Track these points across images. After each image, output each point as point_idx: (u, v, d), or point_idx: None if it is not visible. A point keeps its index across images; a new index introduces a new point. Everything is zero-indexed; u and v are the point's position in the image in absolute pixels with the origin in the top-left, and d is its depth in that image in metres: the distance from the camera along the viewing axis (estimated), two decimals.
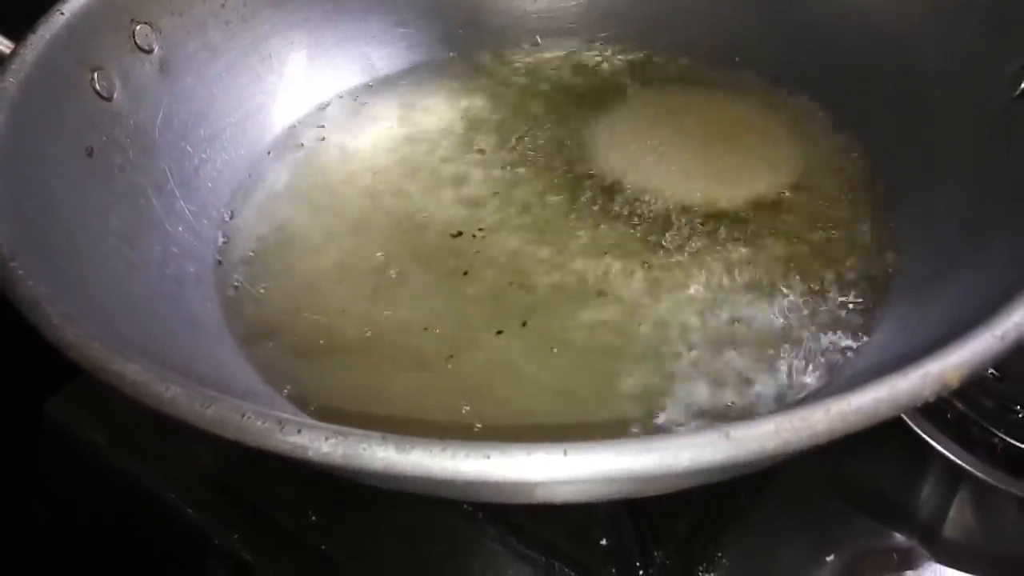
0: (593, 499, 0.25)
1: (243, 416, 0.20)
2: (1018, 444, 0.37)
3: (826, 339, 0.35)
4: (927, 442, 0.37)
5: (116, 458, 0.39)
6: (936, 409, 0.39)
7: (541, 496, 0.23)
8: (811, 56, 0.45)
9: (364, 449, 0.20)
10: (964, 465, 0.36)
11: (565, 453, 0.19)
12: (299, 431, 0.20)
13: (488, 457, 0.19)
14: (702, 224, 0.40)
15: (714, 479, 0.24)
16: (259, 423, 0.20)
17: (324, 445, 0.20)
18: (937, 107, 0.38)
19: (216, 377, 0.31)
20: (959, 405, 0.39)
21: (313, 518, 0.37)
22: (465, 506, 0.37)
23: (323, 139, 0.47)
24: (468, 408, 0.33)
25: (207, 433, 0.21)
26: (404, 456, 0.19)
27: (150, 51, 0.41)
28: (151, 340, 0.30)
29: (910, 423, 0.37)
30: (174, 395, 0.21)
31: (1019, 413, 0.39)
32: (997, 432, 0.38)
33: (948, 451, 0.36)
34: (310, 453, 0.20)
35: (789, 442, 0.19)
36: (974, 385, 0.39)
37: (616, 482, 0.21)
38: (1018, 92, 0.34)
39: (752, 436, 0.19)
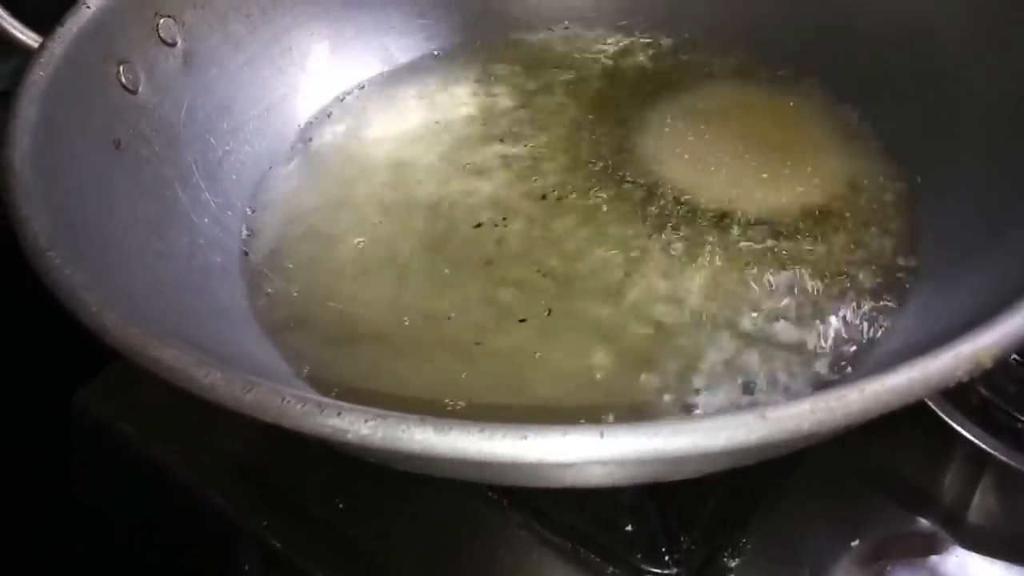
0: (623, 482, 0.25)
1: (283, 400, 0.21)
2: None
3: (853, 327, 0.35)
4: (952, 427, 0.37)
5: (146, 447, 0.40)
6: (960, 395, 0.39)
7: (572, 479, 0.24)
8: (833, 45, 0.45)
9: (403, 431, 0.20)
10: (988, 450, 0.36)
11: (602, 435, 0.19)
12: (339, 413, 0.20)
13: (525, 438, 0.19)
14: (717, 219, 0.40)
15: (745, 461, 0.25)
16: (299, 406, 0.20)
17: (363, 427, 0.20)
18: (960, 97, 0.38)
19: (245, 366, 0.32)
20: (983, 391, 0.39)
21: (340, 505, 0.37)
22: (490, 493, 0.37)
23: (344, 130, 0.47)
24: (496, 394, 0.34)
25: (246, 418, 0.21)
26: (442, 438, 0.20)
27: (174, 44, 0.41)
28: (181, 328, 0.31)
29: (935, 408, 0.37)
30: (213, 380, 0.21)
31: None
32: (1021, 417, 0.38)
33: (973, 436, 0.36)
34: (349, 436, 0.20)
35: (824, 421, 0.19)
36: (998, 371, 0.39)
37: (650, 464, 0.21)
38: None
39: (788, 415, 0.19)
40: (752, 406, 0.19)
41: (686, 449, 0.19)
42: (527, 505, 0.36)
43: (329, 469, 0.38)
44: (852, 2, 0.44)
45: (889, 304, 0.35)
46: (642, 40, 0.51)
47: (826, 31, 0.45)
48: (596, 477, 0.24)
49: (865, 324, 0.35)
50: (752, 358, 0.34)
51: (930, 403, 0.37)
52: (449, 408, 0.33)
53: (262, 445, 0.40)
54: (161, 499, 0.40)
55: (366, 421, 0.20)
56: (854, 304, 0.36)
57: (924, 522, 0.36)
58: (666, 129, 0.46)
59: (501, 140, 0.46)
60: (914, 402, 0.21)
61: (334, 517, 0.37)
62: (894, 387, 0.20)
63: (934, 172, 0.38)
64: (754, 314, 0.35)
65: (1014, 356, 0.40)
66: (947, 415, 0.37)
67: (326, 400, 0.20)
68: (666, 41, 0.51)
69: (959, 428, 0.37)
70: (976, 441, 0.36)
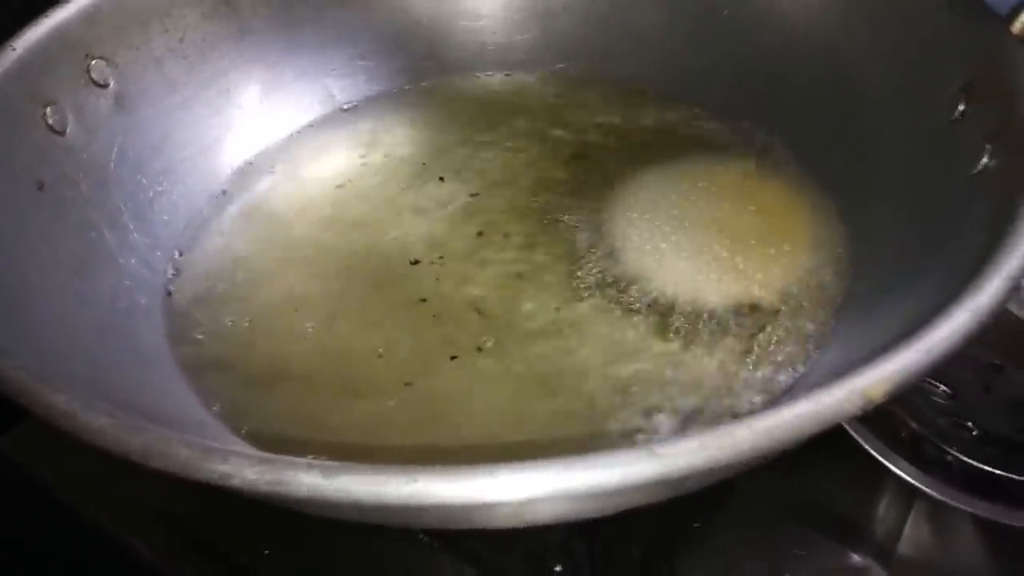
0: (538, 521, 0.24)
1: (169, 445, 0.20)
2: (972, 462, 0.37)
3: (775, 362, 0.35)
4: (881, 462, 0.37)
5: (68, 496, 0.39)
6: (890, 429, 0.39)
7: (480, 520, 0.23)
8: (759, 84, 0.46)
9: (291, 476, 0.19)
10: (918, 484, 0.36)
11: (493, 475, 0.19)
12: (225, 459, 0.20)
13: (415, 481, 0.19)
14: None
15: (650, 499, 0.24)
16: (184, 452, 0.20)
17: (250, 472, 0.20)
18: (880, 131, 0.39)
19: (162, 410, 0.31)
20: (913, 424, 0.39)
21: (267, 552, 0.36)
22: (421, 536, 0.36)
23: (280, 171, 0.47)
24: (423, 434, 0.33)
25: (136, 464, 0.21)
26: (330, 482, 0.19)
27: (105, 85, 0.41)
28: (96, 372, 0.30)
29: (863, 443, 0.37)
30: (101, 425, 0.21)
31: (972, 431, 0.39)
32: (951, 450, 0.38)
33: (902, 471, 0.37)
34: (235, 481, 0.20)
35: (715, 458, 0.19)
36: (927, 405, 0.39)
37: (550, 501, 0.21)
38: (956, 114, 0.35)
39: (678, 452, 0.19)
40: (644, 443, 0.19)
41: (580, 487, 0.19)
42: (458, 547, 0.36)
43: (256, 516, 0.37)
44: (775, 45, 0.45)
45: (813, 337, 0.35)
46: (578, 87, 0.52)
47: (756, 74, 0.46)
48: (504, 516, 0.23)
49: (789, 358, 0.35)
50: (667, 399, 0.34)
51: (858, 438, 0.38)
52: (384, 448, 0.32)
53: (187, 493, 0.38)
54: (83, 548, 0.39)
55: (252, 466, 0.20)
56: (778, 339, 0.36)
57: (855, 556, 0.36)
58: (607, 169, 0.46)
59: (441, 179, 0.46)
60: (807, 438, 0.21)
61: (260, 565, 0.36)
62: (783, 423, 0.20)
63: (857, 207, 0.39)
64: (679, 351, 0.36)
65: (943, 388, 0.40)
66: (876, 450, 0.37)
67: (212, 444, 0.20)
68: (601, 87, 0.51)
69: (888, 463, 0.37)
70: (905, 476, 0.36)
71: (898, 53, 0.39)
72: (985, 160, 0.32)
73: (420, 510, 0.19)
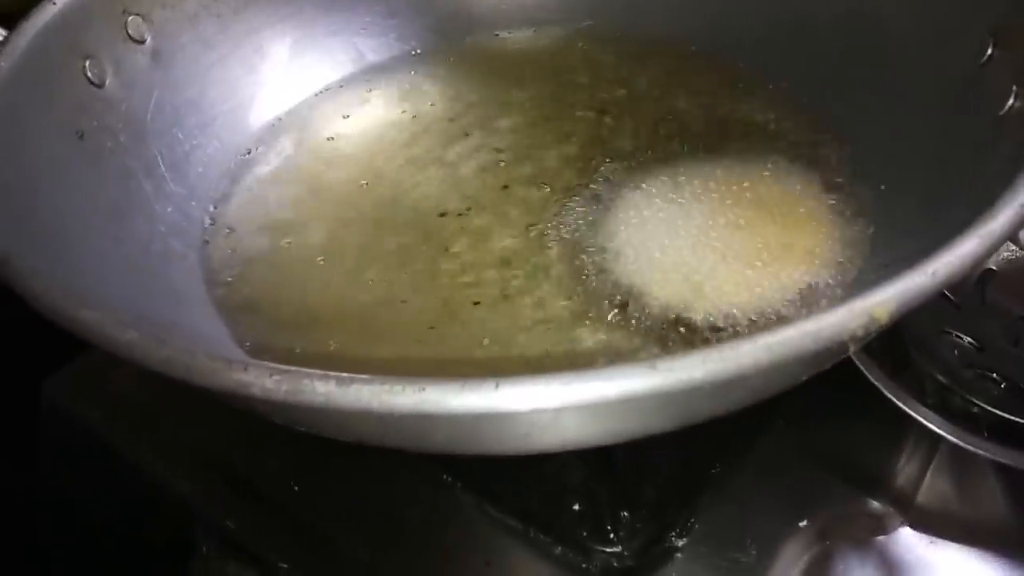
0: (544, 447, 0.25)
1: (192, 357, 0.21)
2: (998, 412, 0.37)
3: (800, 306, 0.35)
4: (904, 411, 0.37)
5: (109, 434, 0.41)
6: (916, 380, 0.39)
7: (489, 439, 0.24)
8: (789, 36, 0.45)
9: (307, 384, 0.20)
10: (941, 432, 0.36)
11: (497, 386, 0.20)
12: (245, 369, 0.21)
13: (423, 390, 0.20)
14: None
15: (667, 422, 0.25)
16: (206, 362, 0.21)
17: (268, 381, 0.20)
18: (908, 78, 0.38)
19: (194, 343, 0.32)
20: (939, 376, 0.39)
21: (296, 488, 0.38)
22: (444, 476, 0.37)
23: (312, 127, 0.48)
24: (446, 373, 0.34)
25: (161, 374, 0.22)
26: (343, 390, 0.20)
27: (142, 41, 0.42)
28: (131, 306, 0.31)
29: (887, 393, 0.37)
30: (130, 339, 0.22)
31: (1000, 383, 0.38)
32: (977, 401, 0.38)
33: (926, 419, 0.36)
34: (255, 390, 0.20)
35: (715, 372, 0.20)
36: (954, 358, 0.39)
37: (553, 416, 0.22)
38: (984, 58, 0.34)
39: (679, 367, 0.20)
40: (647, 358, 0.20)
41: (577, 400, 0.19)
42: (479, 487, 0.37)
43: (286, 454, 0.38)
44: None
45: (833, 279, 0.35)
46: (611, 44, 0.52)
47: (783, 29, 0.46)
48: (513, 438, 0.24)
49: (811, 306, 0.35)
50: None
51: (883, 388, 0.38)
52: None
53: (224, 432, 0.40)
54: (122, 484, 0.41)
55: (271, 376, 0.20)
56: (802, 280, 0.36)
57: (874, 503, 0.36)
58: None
59: (467, 134, 0.47)
60: (813, 358, 0.21)
61: (289, 501, 0.37)
62: (786, 340, 0.20)
63: (881, 156, 0.39)
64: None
65: (970, 340, 0.40)
66: (900, 400, 0.37)
67: (234, 357, 0.21)
68: (636, 44, 0.51)
69: (911, 412, 0.37)
70: (929, 424, 0.36)
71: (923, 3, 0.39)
72: (1011, 101, 0.32)
73: (428, 419, 0.20)
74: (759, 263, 0.36)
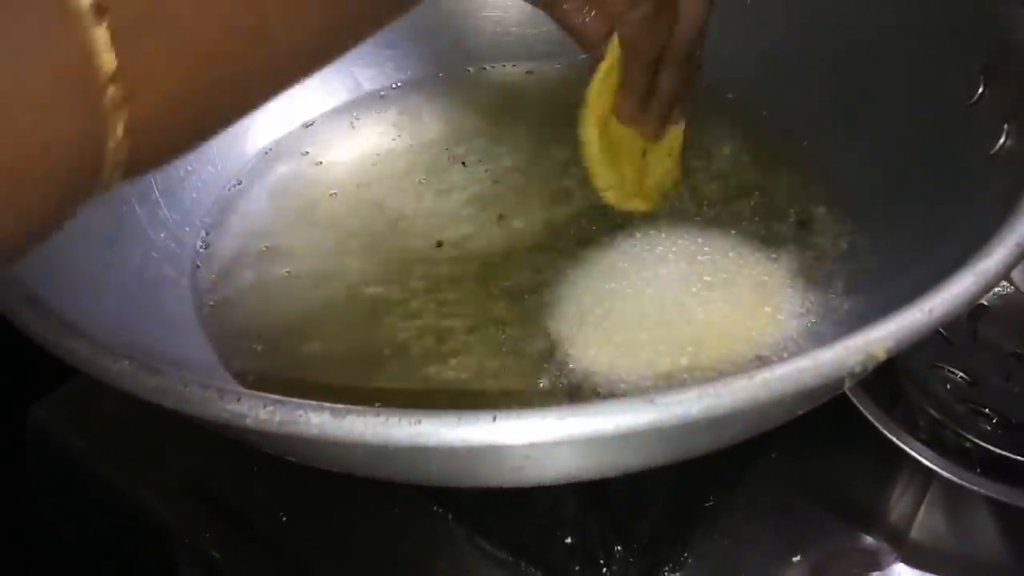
0: (540, 479, 0.25)
1: (185, 386, 0.21)
2: (990, 447, 0.37)
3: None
4: (898, 446, 0.37)
5: (95, 460, 0.40)
6: (909, 415, 0.39)
7: (485, 472, 0.24)
8: (779, 69, 0.46)
9: (301, 415, 0.20)
10: (934, 467, 0.36)
11: (494, 419, 0.20)
12: (239, 399, 0.20)
13: (419, 423, 0.20)
14: None
15: (665, 456, 0.25)
16: (199, 392, 0.21)
17: (262, 412, 0.20)
18: (898, 117, 0.39)
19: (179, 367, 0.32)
20: (932, 411, 0.39)
21: (284, 518, 0.37)
22: (436, 508, 0.37)
23: (307, 154, 0.48)
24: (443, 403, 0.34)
25: (152, 404, 0.21)
26: (338, 422, 0.20)
27: None
28: (122, 333, 0.31)
29: (881, 428, 0.37)
30: (121, 368, 0.22)
31: (992, 418, 0.38)
32: (969, 436, 0.38)
33: (919, 454, 0.36)
34: (248, 421, 0.20)
35: (712, 407, 0.19)
36: (946, 392, 0.39)
37: (550, 449, 0.21)
38: (975, 96, 0.35)
39: (676, 401, 0.20)
40: (643, 393, 0.20)
41: (573, 434, 0.19)
42: (471, 519, 0.36)
43: (274, 482, 0.38)
44: (798, 35, 0.45)
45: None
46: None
47: (776, 64, 0.46)
48: (510, 472, 0.24)
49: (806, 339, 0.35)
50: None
51: (876, 423, 0.37)
52: None
53: (212, 460, 0.40)
54: (108, 511, 0.40)
55: (264, 407, 0.20)
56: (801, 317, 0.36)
57: (868, 538, 0.36)
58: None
59: (464, 164, 0.47)
60: (810, 394, 0.21)
61: (277, 530, 0.37)
62: (784, 375, 0.20)
63: (872, 191, 0.39)
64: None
65: (962, 376, 0.40)
66: (893, 434, 0.37)
67: (227, 386, 0.21)
68: None
69: (905, 447, 0.37)
70: (922, 459, 0.36)
71: (918, 36, 0.39)
72: (1003, 140, 0.32)
73: (422, 451, 0.20)
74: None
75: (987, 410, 0.39)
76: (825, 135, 0.43)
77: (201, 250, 0.41)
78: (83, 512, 0.42)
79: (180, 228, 0.41)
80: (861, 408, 0.37)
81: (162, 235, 0.40)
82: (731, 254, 0.39)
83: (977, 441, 0.37)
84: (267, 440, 0.23)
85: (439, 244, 0.42)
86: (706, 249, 0.39)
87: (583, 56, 0.53)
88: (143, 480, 0.39)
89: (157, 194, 0.41)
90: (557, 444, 0.20)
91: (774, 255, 0.39)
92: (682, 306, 0.36)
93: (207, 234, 0.42)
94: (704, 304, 0.36)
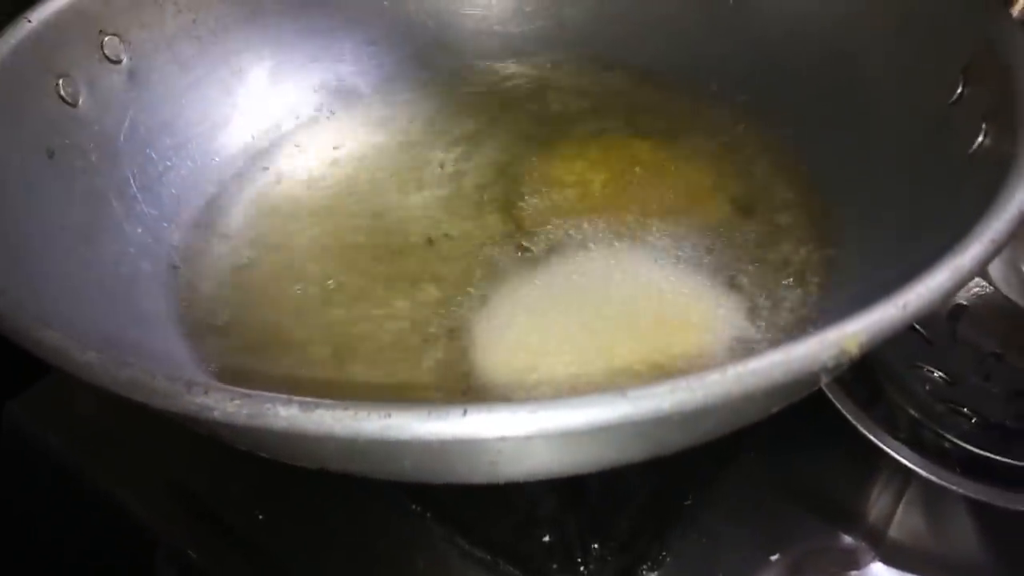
0: (514, 475, 0.24)
1: (153, 379, 0.21)
2: (969, 447, 0.37)
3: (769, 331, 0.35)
4: (877, 445, 0.37)
5: (71, 458, 0.40)
6: (888, 414, 0.39)
7: (458, 467, 0.24)
8: (765, 70, 0.46)
9: (269, 408, 0.20)
10: (913, 467, 0.36)
11: (464, 413, 0.19)
12: (206, 392, 0.20)
13: (389, 416, 0.19)
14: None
15: (641, 451, 0.25)
16: (167, 385, 0.20)
17: (229, 405, 0.20)
18: (879, 115, 0.39)
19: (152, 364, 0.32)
20: (911, 411, 0.39)
21: (261, 517, 0.37)
22: (414, 506, 0.37)
23: (290, 151, 0.48)
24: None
25: (121, 397, 0.21)
26: (307, 415, 0.20)
27: (118, 61, 0.42)
28: (95, 328, 0.31)
29: (859, 427, 0.37)
30: (89, 359, 0.21)
31: (971, 418, 0.39)
32: (948, 436, 0.38)
33: (897, 453, 0.36)
34: (216, 414, 0.20)
35: (684, 401, 0.19)
36: (926, 392, 0.39)
37: (521, 443, 0.21)
38: (955, 96, 0.35)
39: (648, 395, 0.19)
40: (617, 387, 0.19)
41: (545, 428, 0.19)
42: (449, 518, 0.36)
43: (251, 481, 0.38)
44: (778, 33, 0.45)
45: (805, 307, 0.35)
46: (586, 75, 0.52)
47: (759, 60, 0.47)
48: (483, 466, 0.24)
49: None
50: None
51: (855, 422, 0.38)
52: None
53: (189, 458, 0.39)
54: (84, 508, 0.40)
55: (232, 400, 0.20)
56: (772, 306, 0.36)
57: (846, 538, 0.36)
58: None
59: (443, 165, 0.47)
60: (782, 389, 0.21)
61: (254, 529, 0.37)
62: (756, 369, 0.20)
63: (854, 190, 0.39)
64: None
65: (941, 375, 0.40)
66: (872, 434, 0.37)
67: (195, 379, 0.20)
68: (610, 74, 0.52)
69: (883, 445, 0.37)
70: (900, 458, 0.36)
71: (900, 36, 0.39)
72: (981, 139, 0.32)
73: (393, 445, 0.20)
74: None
75: (966, 410, 0.39)
76: (804, 130, 0.43)
77: (179, 246, 0.41)
78: (59, 510, 0.42)
79: (159, 224, 0.41)
80: (840, 407, 0.37)
81: (139, 230, 0.39)
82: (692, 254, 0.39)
83: (956, 441, 0.38)
84: (238, 435, 0.23)
85: (430, 241, 0.42)
86: (677, 253, 0.39)
87: (568, 53, 0.54)
88: (120, 478, 0.39)
89: (135, 189, 0.41)
90: (528, 438, 0.20)
91: (740, 253, 0.39)
92: (624, 310, 0.36)
93: (186, 230, 0.42)
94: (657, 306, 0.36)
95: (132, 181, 0.41)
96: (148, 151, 0.42)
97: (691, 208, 0.42)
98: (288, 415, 0.20)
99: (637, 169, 0.45)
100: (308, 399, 0.20)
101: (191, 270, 0.40)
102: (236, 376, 0.35)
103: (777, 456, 0.38)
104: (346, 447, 0.21)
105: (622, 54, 0.52)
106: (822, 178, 0.41)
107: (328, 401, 0.20)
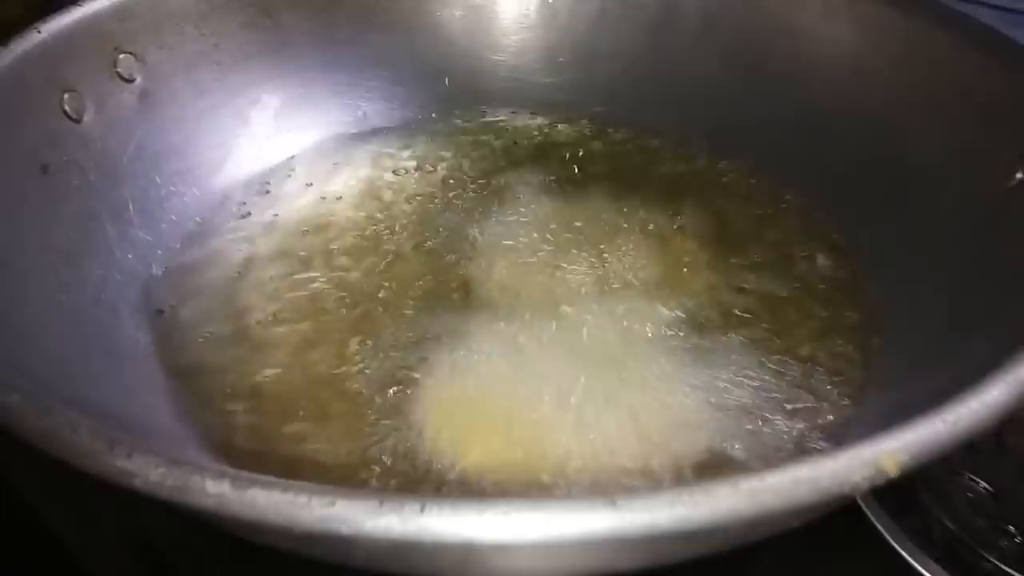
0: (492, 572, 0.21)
1: (74, 433, 0.18)
2: (1012, 572, 0.33)
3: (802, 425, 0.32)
4: (909, 563, 0.33)
5: (30, 502, 0.37)
6: (923, 526, 0.35)
7: (420, 566, 0.21)
8: (805, 146, 0.43)
9: (197, 483, 0.17)
10: None
11: (421, 509, 0.16)
12: (129, 456, 0.17)
13: (332, 504, 0.17)
14: None
15: (632, 562, 0.21)
16: (88, 442, 0.18)
17: (153, 474, 0.17)
18: (931, 201, 0.36)
19: (124, 409, 0.29)
20: (948, 523, 0.35)
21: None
22: None
23: (300, 185, 0.46)
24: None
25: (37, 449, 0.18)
26: (238, 495, 0.17)
27: (131, 80, 0.40)
28: (59, 361, 0.28)
29: (890, 539, 0.34)
30: (8, 401, 0.19)
31: (1015, 537, 0.35)
32: (989, 557, 0.34)
33: (931, 573, 0.33)
34: (137, 481, 0.17)
35: (686, 518, 0.16)
36: (966, 503, 0.36)
37: (490, 549, 0.18)
38: (1013, 183, 0.32)
39: (642, 506, 0.16)
40: (607, 494, 0.16)
41: (516, 536, 0.16)
42: None
43: (213, 533, 0.35)
44: (825, 110, 0.43)
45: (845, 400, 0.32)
46: (608, 132, 0.50)
47: (801, 136, 0.44)
48: (448, 567, 0.20)
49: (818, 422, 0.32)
50: None
51: (886, 534, 0.34)
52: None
53: (149, 511, 0.36)
54: (41, 556, 0.37)
55: (156, 467, 0.17)
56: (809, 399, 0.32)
57: None
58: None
59: (458, 210, 0.45)
60: (806, 509, 0.18)
61: None
62: (774, 486, 0.17)
63: (901, 276, 0.36)
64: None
65: (985, 485, 0.36)
66: (904, 549, 0.34)
67: (120, 436, 0.18)
68: (629, 132, 0.49)
69: (916, 564, 0.33)
70: None
71: (952, 121, 0.36)
72: None
73: (334, 540, 0.17)
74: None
75: (1011, 528, 0.35)
76: (852, 213, 0.40)
77: (166, 275, 0.39)
78: (13, 555, 0.39)
79: (152, 250, 0.39)
80: (870, 514, 0.34)
81: (129, 256, 0.37)
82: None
83: (997, 563, 0.34)
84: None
85: (420, 292, 0.39)
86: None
87: (598, 109, 0.51)
88: (79, 526, 0.36)
89: (132, 212, 0.39)
90: (498, 546, 0.17)
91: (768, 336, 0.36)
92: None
93: (178, 260, 0.40)
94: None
95: (130, 204, 0.39)
96: (153, 175, 0.41)
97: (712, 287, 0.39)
98: (217, 492, 0.17)
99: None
100: (243, 474, 0.17)
101: (177, 302, 0.37)
102: (210, 424, 0.32)
103: (796, 563, 0.34)
104: (280, 534, 0.18)
105: (654, 116, 0.50)
106: (864, 263, 0.38)
107: (266, 479, 0.17)
